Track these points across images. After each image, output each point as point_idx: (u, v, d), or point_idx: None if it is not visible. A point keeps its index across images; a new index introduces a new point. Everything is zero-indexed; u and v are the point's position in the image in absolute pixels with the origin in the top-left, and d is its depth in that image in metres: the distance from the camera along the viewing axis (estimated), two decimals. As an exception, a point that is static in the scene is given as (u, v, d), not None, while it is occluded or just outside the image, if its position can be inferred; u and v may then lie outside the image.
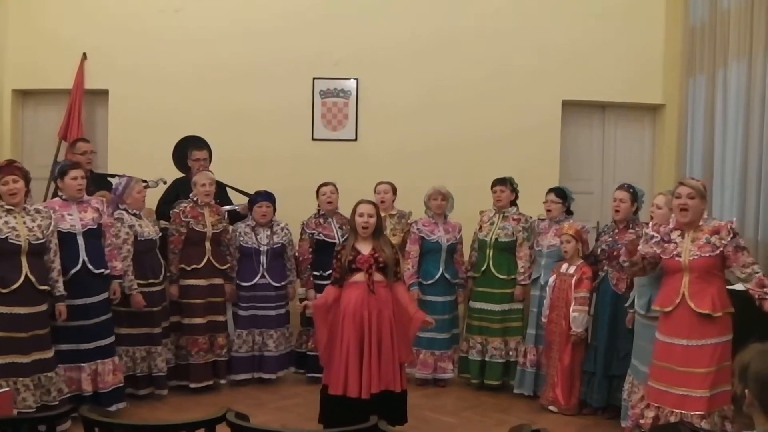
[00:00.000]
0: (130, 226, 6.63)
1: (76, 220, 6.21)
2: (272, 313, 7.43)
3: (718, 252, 5.20)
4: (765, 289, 5.18)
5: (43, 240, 5.76)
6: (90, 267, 6.21)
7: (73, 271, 6.13)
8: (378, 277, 5.69)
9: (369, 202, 5.89)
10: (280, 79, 9.51)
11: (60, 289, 5.92)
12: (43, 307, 5.78)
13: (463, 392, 7.36)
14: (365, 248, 5.73)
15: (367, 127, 9.61)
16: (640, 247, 5.70)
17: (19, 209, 5.66)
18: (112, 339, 6.40)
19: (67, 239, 6.13)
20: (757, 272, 5.20)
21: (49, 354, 5.85)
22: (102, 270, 6.29)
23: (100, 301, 6.31)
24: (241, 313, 7.41)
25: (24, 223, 5.66)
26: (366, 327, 5.61)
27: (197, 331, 7.10)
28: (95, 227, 6.31)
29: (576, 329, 6.60)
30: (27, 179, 5.78)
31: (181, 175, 8.16)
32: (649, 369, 5.52)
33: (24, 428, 3.68)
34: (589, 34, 9.64)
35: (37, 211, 5.82)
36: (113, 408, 6.21)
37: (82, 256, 6.19)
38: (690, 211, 5.27)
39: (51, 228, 5.86)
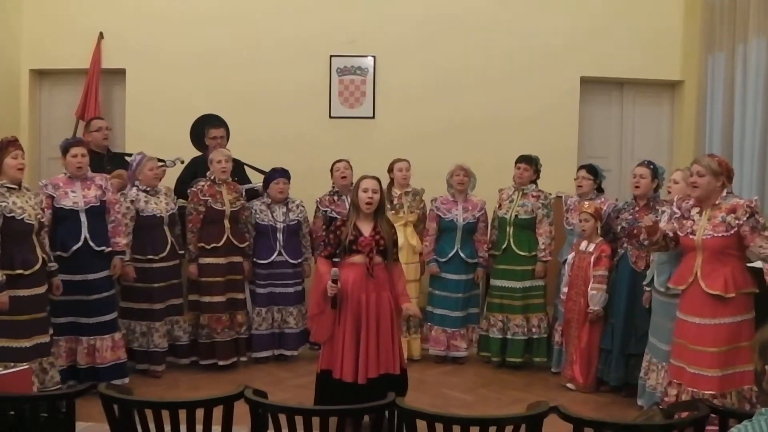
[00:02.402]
0: (132, 201, 6.70)
1: (79, 197, 6.22)
2: (290, 290, 7.45)
3: (732, 231, 5.12)
4: None
5: (43, 217, 5.78)
6: (91, 244, 6.23)
7: (74, 247, 6.17)
8: (377, 259, 5.53)
9: (373, 177, 5.67)
10: (297, 58, 9.50)
11: (54, 264, 5.94)
12: (47, 285, 5.82)
13: (481, 370, 7.37)
14: (366, 228, 5.56)
15: (384, 105, 9.59)
16: (662, 225, 5.67)
17: (18, 188, 5.62)
18: (113, 315, 6.44)
19: (69, 216, 6.18)
20: None
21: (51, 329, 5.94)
22: (103, 247, 6.32)
23: (101, 278, 6.34)
24: (259, 290, 7.42)
25: (26, 201, 5.63)
26: (364, 311, 5.45)
27: (218, 309, 7.12)
28: (98, 204, 6.30)
29: (593, 307, 6.58)
30: None
31: (198, 154, 8.16)
32: (671, 346, 5.51)
33: (42, 405, 3.70)
34: (608, 10, 9.58)
35: (27, 189, 5.78)
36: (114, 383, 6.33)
37: (84, 232, 6.21)
38: (699, 189, 5.22)
39: (42, 204, 5.86)
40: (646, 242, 5.69)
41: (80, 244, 6.18)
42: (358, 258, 5.50)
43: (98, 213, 6.32)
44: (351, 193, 5.78)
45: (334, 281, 5.36)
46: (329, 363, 5.56)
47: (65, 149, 6.29)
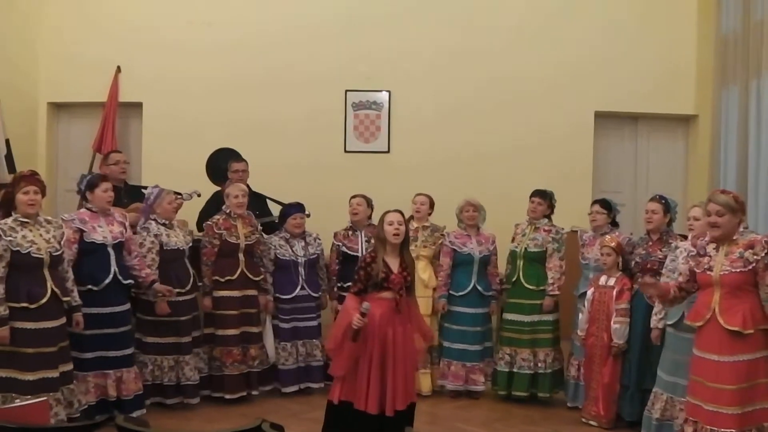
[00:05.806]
0: (156, 236, 6.71)
1: (106, 231, 6.29)
2: (314, 323, 7.49)
3: (750, 267, 5.05)
4: None
5: (61, 251, 5.77)
6: (119, 278, 6.30)
7: (106, 281, 6.21)
8: (404, 294, 5.55)
9: (397, 210, 5.66)
10: (313, 92, 9.59)
11: (76, 298, 5.93)
12: (64, 319, 5.80)
13: (494, 404, 7.32)
14: (394, 264, 5.52)
15: (399, 139, 9.65)
16: (679, 265, 5.64)
17: (33, 221, 5.62)
18: (132, 349, 6.51)
19: (98, 250, 6.22)
20: None
21: (71, 365, 5.89)
22: (130, 281, 6.40)
23: (125, 311, 6.42)
24: (283, 325, 7.39)
25: (40, 235, 5.63)
26: (391, 345, 5.44)
27: (231, 343, 7.09)
28: (122, 240, 6.38)
29: (617, 341, 6.54)
30: (44, 193, 5.75)
31: (218, 188, 8.20)
32: (688, 383, 5.46)
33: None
34: (621, 44, 9.66)
35: (48, 221, 5.79)
36: (134, 415, 6.28)
37: (113, 267, 6.26)
38: (721, 228, 5.15)
39: (64, 238, 5.85)
40: (666, 305, 5.68)
41: (110, 278, 6.24)
42: (387, 294, 5.46)
43: (122, 248, 6.40)
44: (375, 230, 5.79)
45: (363, 314, 5.30)
46: (350, 395, 5.49)
47: (94, 184, 6.33)
